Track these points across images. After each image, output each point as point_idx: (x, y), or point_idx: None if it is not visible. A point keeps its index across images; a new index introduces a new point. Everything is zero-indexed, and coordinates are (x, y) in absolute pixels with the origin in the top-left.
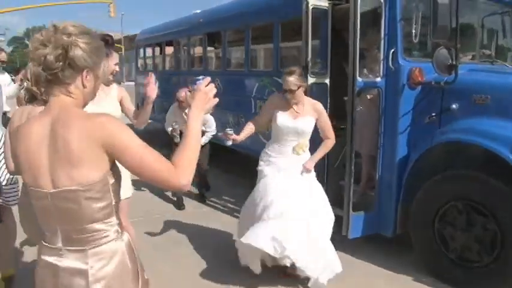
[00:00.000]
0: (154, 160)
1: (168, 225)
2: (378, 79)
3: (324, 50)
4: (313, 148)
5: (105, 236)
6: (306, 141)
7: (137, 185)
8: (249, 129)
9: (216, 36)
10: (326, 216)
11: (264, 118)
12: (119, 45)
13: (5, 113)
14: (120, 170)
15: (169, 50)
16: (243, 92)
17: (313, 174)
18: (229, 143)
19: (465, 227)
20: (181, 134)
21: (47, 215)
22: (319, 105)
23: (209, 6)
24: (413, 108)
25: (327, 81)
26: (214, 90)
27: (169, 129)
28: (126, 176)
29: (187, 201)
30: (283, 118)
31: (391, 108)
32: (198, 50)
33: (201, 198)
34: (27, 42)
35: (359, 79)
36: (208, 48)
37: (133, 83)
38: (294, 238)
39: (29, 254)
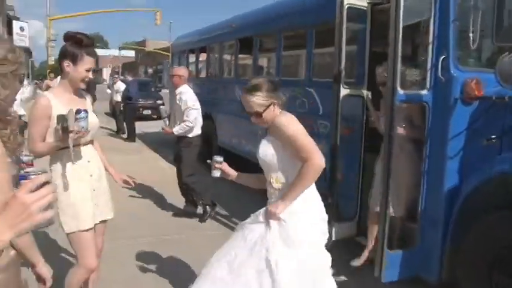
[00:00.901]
0: None
1: (180, 248)
2: (424, 92)
3: (361, 56)
4: None
5: None
6: (282, 175)
7: (146, 197)
8: (256, 177)
9: (248, 42)
10: None
11: None
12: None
13: (19, 117)
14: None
15: (203, 56)
16: None
17: (292, 224)
18: (218, 174)
19: None
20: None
21: None
22: (280, 117)
23: None
24: (467, 129)
25: (364, 93)
26: (47, 199)
27: None
28: (104, 196)
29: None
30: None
31: (439, 128)
32: (230, 57)
33: (203, 216)
34: None
35: (400, 91)
36: (240, 56)
37: None
38: None
39: None
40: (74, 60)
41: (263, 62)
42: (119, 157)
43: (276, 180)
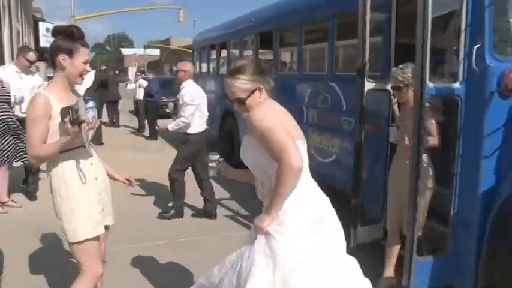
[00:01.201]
0: None
1: (195, 251)
2: (456, 85)
3: (387, 48)
4: None
5: None
6: (265, 178)
7: (165, 196)
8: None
9: (268, 36)
10: None
11: None
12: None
13: None
14: None
15: (224, 53)
16: (294, 99)
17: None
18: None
19: None
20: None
21: None
22: (256, 111)
23: None
24: (504, 125)
25: (390, 87)
26: None
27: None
28: (108, 201)
29: (223, 222)
30: None
31: (473, 124)
32: (251, 52)
33: (164, 213)
34: (107, 48)
35: (430, 84)
36: (261, 51)
37: None
38: None
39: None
40: (70, 53)
41: (284, 56)
42: (140, 155)
43: (262, 184)
